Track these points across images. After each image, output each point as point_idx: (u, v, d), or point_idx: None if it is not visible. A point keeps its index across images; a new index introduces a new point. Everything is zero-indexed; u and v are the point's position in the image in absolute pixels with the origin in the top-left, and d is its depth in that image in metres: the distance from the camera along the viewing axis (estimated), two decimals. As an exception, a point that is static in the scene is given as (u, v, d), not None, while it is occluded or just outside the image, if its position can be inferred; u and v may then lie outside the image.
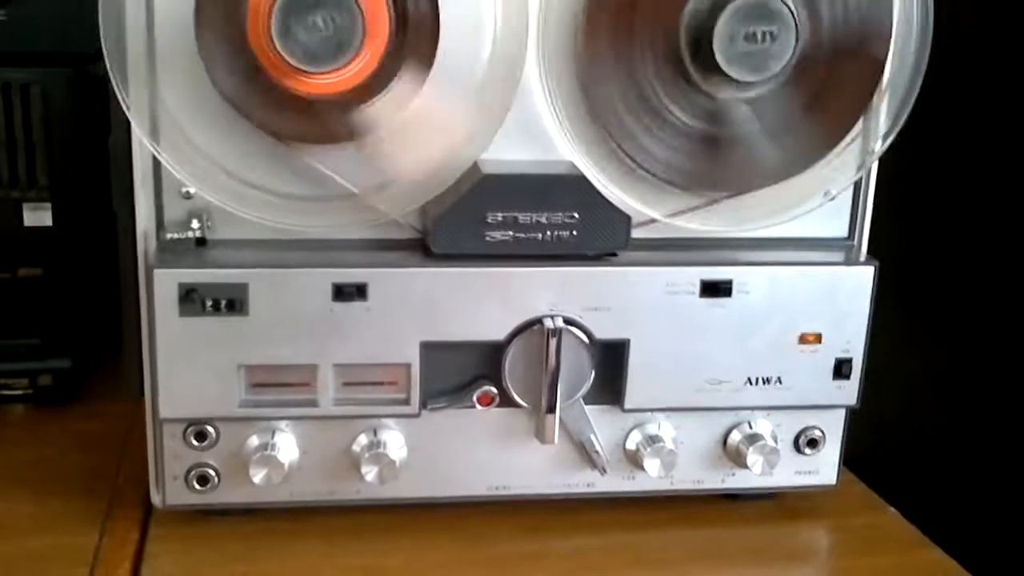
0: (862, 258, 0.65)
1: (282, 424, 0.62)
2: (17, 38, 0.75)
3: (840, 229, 0.66)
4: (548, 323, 0.61)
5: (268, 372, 0.60)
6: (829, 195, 0.64)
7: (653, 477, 0.64)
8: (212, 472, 0.62)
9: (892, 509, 0.71)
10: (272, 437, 0.61)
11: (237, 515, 0.64)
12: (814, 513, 0.70)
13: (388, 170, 0.59)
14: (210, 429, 0.61)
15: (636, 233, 0.62)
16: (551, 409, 0.62)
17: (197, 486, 0.62)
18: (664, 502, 0.67)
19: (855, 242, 0.66)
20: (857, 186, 0.65)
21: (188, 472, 0.62)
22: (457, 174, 0.60)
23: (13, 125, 0.73)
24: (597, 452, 0.64)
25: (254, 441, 0.61)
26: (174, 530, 0.64)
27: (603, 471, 0.64)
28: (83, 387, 0.81)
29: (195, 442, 0.61)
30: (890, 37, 0.60)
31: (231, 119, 0.58)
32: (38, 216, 0.75)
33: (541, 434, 0.62)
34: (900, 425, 0.86)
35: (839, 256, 0.65)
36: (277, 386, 0.61)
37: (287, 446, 0.62)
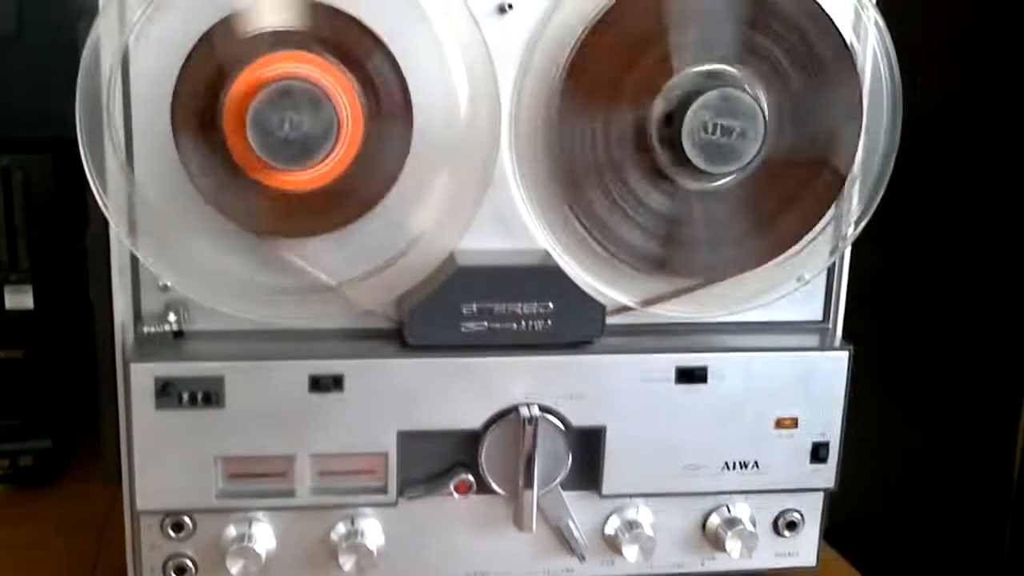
0: (837, 342, 0.66)
1: (259, 514, 0.62)
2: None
3: (815, 312, 0.67)
4: (524, 411, 0.61)
5: (245, 463, 0.60)
6: (803, 280, 0.65)
7: (632, 563, 0.64)
8: (189, 563, 0.62)
9: (873, 587, 0.72)
10: (249, 527, 0.61)
11: (215, 604, 0.64)
12: (795, 594, 0.70)
13: (364, 263, 0.60)
14: (187, 520, 0.61)
15: (611, 320, 0.62)
16: (528, 496, 0.62)
17: (174, 577, 0.62)
18: (643, 586, 0.67)
19: (830, 325, 0.67)
20: (831, 270, 0.66)
21: (166, 563, 0.62)
22: (432, 265, 0.60)
23: (-5, 209, 0.74)
24: (576, 539, 0.64)
25: (231, 532, 0.61)
26: (152, 619, 0.64)
27: (582, 558, 0.64)
28: (64, 467, 0.81)
29: (172, 533, 0.61)
30: (855, 153, 0.62)
31: (208, 215, 0.58)
32: (19, 299, 0.76)
33: (519, 521, 0.63)
34: (880, 500, 0.86)
35: (814, 339, 0.66)
36: (254, 476, 0.61)
37: (264, 536, 0.62)
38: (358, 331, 0.62)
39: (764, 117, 0.58)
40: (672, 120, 0.59)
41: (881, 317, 0.84)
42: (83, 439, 0.83)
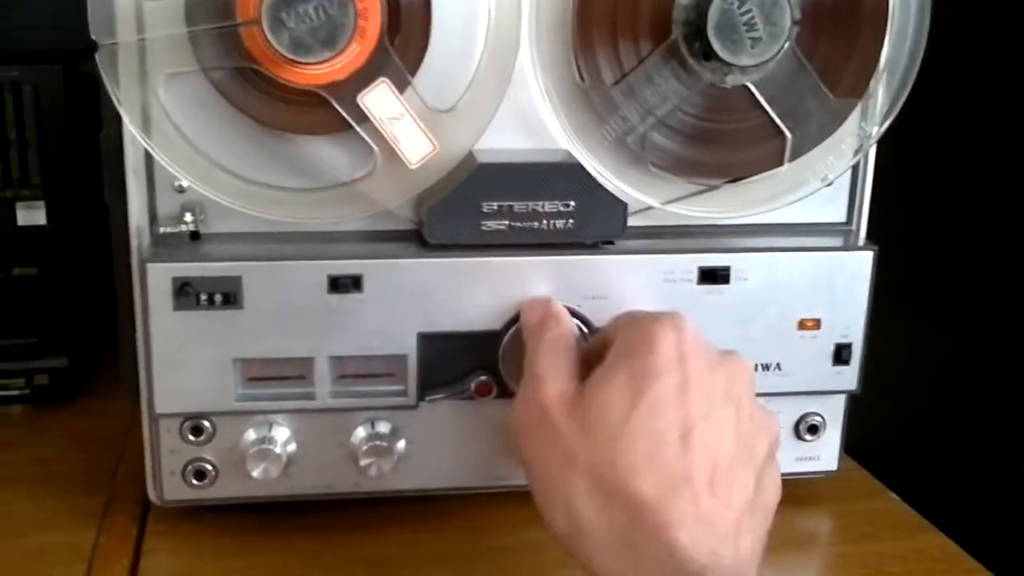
0: (861, 243, 0.65)
1: (279, 417, 0.62)
2: (7, 37, 0.75)
3: (838, 214, 0.66)
4: (553, 308, 0.60)
5: (264, 365, 0.60)
6: (827, 180, 0.64)
7: (653, 465, 0.64)
8: (209, 467, 0.62)
9: (893, 495, 0.71)
10: (269, 431, 0.61)
11: (236, 510, 0.64)
12: (815, 499, 0.69)
13: (382, 160, 0.59)
14: (206, 424, 0.61)
15: (633, 221, 0.61)
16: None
17: (194, 481, 0.62)
18: (665, 491, 0.67)
19: (854, 227, 0.66)
20: (855, 170, 0.65)
21: (185, 467, 0.62)
22: (452, 164, 0.59)
23: (5, 124, 0.73)
24: None
25: (251, 435, 0.61)
26: (173, 525, 0.64)
27: None
28: (82, 386, 0.81)
29: (191, 437, 0.61)
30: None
31: (223, 110, 0.57)
32: (32, 215, 0.75)
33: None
34: (902, 412, 0.86)
35: (837, 241, 0.65)
36: (273, 379, 0.60)
37: (284, 439, 0.61)
38: (377, 233, 0.61)
39: (789, 2, 0.56)
40: (697, 15, 0.57)
41: (907, 221, 0.83)
42: (101, 357, 0.83)
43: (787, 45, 0.57)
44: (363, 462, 0.61)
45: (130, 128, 0.57)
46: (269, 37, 0.53)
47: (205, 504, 0.63)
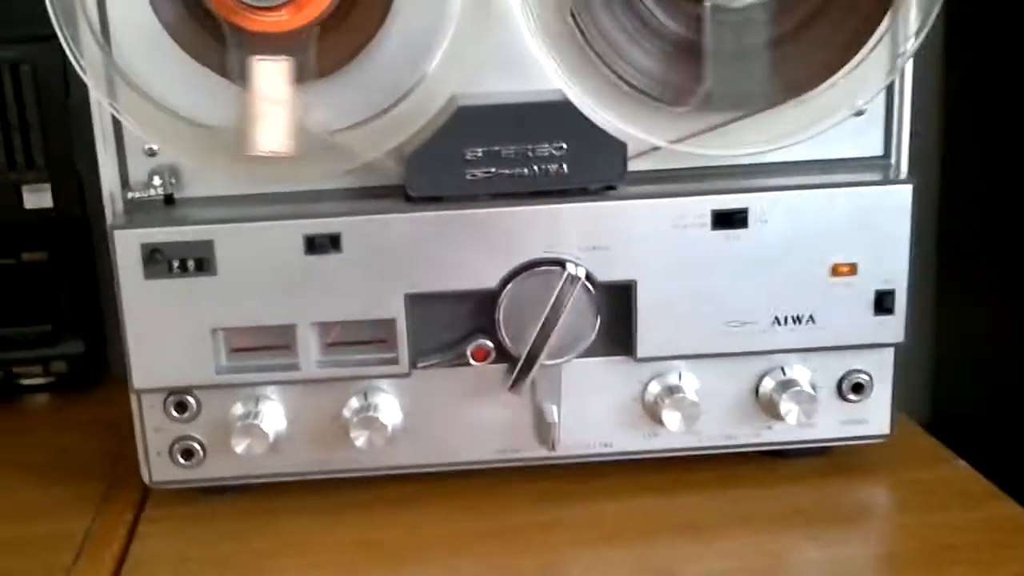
0: (902, 176, 0.58)
1: (267, 391, 0.58)
2: (4, 18, 0.73)
3: (874, 147, 0.59)
4: (571, 269, 0.55)
5: (245, 335, 0.56)
6: (857, 107, 0.57)
7: (675, 432, 0.58)
8: (196, 445, 0.58)
9: (961, 462, 0.63)
10: (256, 405, 0.57)
11: (233, 492, 0.61)
12: (869, 468, 0.62)
13: (358, 112, 0.55)
14: (190, 399, 0.58)
15: (637, 164, 0.56)
16: (532, 362, 0.56)
17: (182, 460, 0.58)
18: (694, 462, 0.61)
19: (892, 160, 0.59)
20: (890, 95, 0.58)
21: (172, 445, 0.58)
22: (433, 109, 0.55)
23: (5, 106, 0.71)
24: (555, 421, 0.58)
25: (238, 409, 0.58)
26: (169, 511, 0.61)
27: (553, 447, 0.58)
28: (103, 371, 0.79)
29: (176, 413, 0.58)
30: None
31: (188, 68, 0.54)
32: (38, 198, 0.73)
33: (517, 387, 0.57)
34: (979, 378, 0.78)
35: (875, 176, 0.58)
36: (256, 350, 0.57)
37: (273, 414, 0.57)
38: (361, 190, 0.57)
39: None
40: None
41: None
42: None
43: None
44: (354, 434, 0.57)
45: (96, 94, 0.55)
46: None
47: (196, 485, 0.60)
